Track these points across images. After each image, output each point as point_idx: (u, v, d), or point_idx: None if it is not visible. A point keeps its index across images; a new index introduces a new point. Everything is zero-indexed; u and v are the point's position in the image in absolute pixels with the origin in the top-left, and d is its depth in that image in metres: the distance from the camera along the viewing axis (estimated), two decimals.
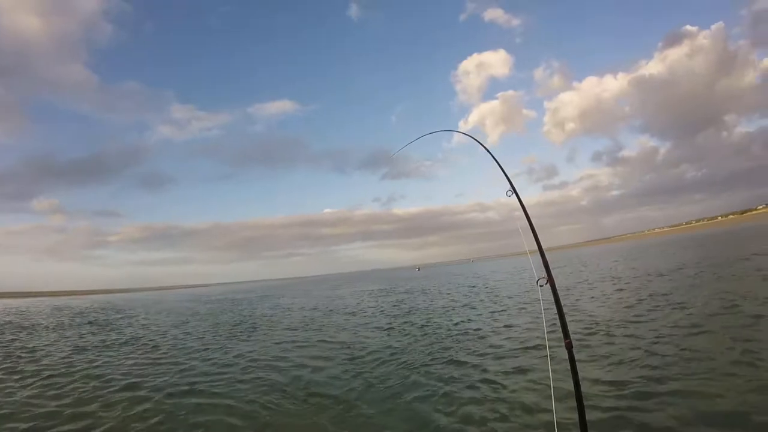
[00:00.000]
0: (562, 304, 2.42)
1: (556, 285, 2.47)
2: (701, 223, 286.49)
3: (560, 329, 2.35)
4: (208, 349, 9.94)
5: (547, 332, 2.89)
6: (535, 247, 2.74)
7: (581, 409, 2.28)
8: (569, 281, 18.21)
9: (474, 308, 13.19)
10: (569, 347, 2.34)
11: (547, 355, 2.66)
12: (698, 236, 61.55)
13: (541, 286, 2.51)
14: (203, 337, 11.91)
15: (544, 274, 2.52)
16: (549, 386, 2.50)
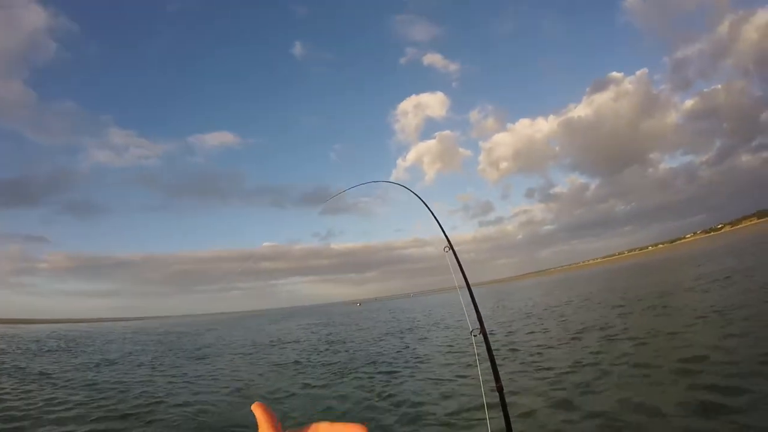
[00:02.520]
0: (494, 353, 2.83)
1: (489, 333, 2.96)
2: (633, 252, 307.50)
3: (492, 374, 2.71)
4: (169, 370, 12.24)
5: (482, 378, 2.94)
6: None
7: None
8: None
9: (404, 344, 14.23)
10: (500, 390, 2.64)
11: (483, 399, 2.68)
12: (624, 267, 68.54)
13: (474, 336, 2.91)
14: (161, 362, 14.12)
15: (477, 325, 2.92)
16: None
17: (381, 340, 16.02)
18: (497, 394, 2.64)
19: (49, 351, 19.77)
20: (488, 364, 2.77)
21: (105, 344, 23.61)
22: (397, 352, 12.58)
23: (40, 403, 8.33)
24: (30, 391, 9.66)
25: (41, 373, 12.27)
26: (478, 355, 2.94)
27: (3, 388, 9.89)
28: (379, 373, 9.66)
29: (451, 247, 3.38)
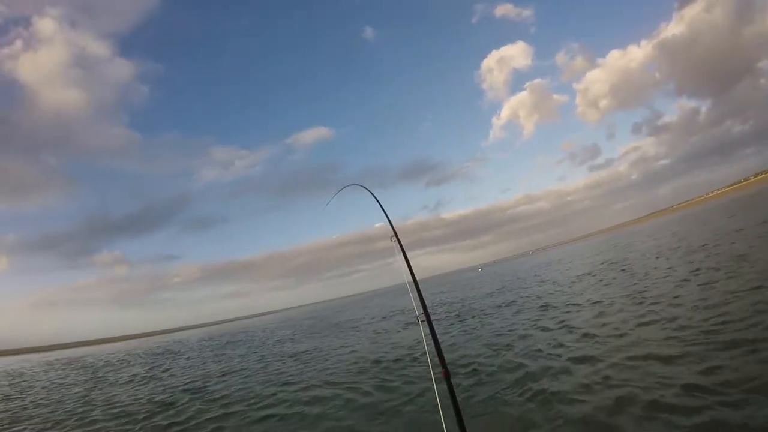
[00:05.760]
0: (438, 339, 2.78)
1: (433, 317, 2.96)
2: (760, 177, 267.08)
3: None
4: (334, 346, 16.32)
5: (431, 363, 2.87)
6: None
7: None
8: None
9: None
10: (447, 377, 2.65)
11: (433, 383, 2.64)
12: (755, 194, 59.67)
13: (422, 321, 2.96)
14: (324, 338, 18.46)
15: (422, 310, 3.00)
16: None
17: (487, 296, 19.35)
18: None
19: (232, 342, 26.47)
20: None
21: (264, 332, 29.90)
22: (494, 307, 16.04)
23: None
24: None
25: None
26: (426, 342, 2.98)
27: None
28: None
29: (395, 233, 3.55)
